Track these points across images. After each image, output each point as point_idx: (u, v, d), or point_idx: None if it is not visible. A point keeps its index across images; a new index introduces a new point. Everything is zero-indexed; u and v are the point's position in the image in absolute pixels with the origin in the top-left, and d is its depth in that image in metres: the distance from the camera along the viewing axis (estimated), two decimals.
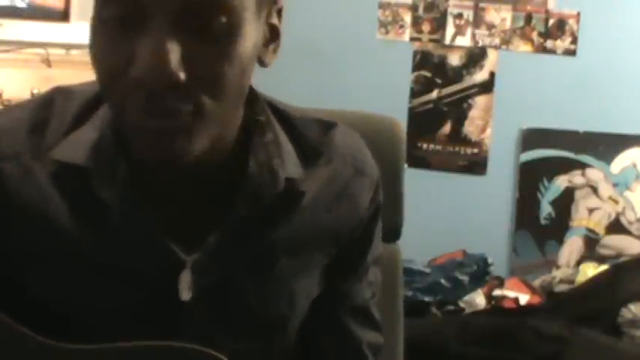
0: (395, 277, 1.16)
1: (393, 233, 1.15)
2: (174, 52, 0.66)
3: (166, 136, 0.69)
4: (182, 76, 0.66)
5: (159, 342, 0.75)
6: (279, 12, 0.78)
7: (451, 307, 2.27)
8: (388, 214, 1.03)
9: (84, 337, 0.75)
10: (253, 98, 0.81)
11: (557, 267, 2.64)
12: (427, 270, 2.37)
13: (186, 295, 0.77)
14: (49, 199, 0.76)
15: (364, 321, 0.94)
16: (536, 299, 2.38)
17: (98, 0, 0.69)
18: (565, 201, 2.66)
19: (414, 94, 2.70)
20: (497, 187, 2.69)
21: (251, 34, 0.71)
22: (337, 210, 0.86)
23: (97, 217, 0.76)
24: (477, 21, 2.64)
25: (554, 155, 2.66)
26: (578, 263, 2.60)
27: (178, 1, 0.66)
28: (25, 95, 1.90)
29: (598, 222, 2.65)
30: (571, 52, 2.62)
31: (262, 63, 0.77)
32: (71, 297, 0.77)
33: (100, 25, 0.69)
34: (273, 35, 0.78)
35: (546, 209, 2.67)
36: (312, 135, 0.86)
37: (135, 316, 0.77)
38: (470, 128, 2.69)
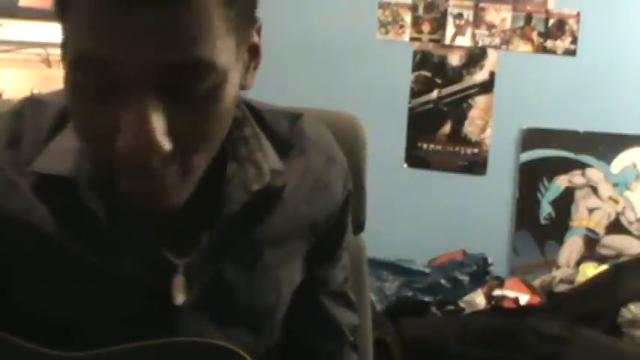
0: (360, 270, 1.19)
1: (356, 227, 1.17)
2: (158, 124, 0.62)
3: (153, 196, 0.67)
4: (168, 146, 0.63)
5: (172, 339, 0.76)
6: (259, 30, 0.75)
7: (451, 307, 2.27)
8: (352, 208, 1.06)
9: (77, 345, 0.74)
10: None
11: (557, 267, 2.64)
12: (427, 270, 2.37)
13: (180, 299, 0.78)
14: (34, 210, 0.75)
15: (342, 303, 0.97)
16: (536, 299, 2.38)
17: (71, 62, 0.63)
18: (565, 201, 2.66)
19: (414, 94, 2.70)
20: (497, 187, 2.69)
21: (234, 80, 0.68)
22: (315, 199, 0.87)
23: (85, 226, 0.75)
24: (477, 21, 2.64)
25: (554, 155, 2.66)
26: (578, 263, 2.60)
27: (159, 73, 0.61)
28: (25, 95, 1.90)
29: (598, 222, 2.65)
30: (571, 52, 2.62)
31: (243, 87, 0.74)
32: (64, 306, 0.77)
33: (75, 88, 0.64)
34: (252, 55, 0.74)
35: (546, 209, 2.67)
36: (282, 127, 0.87)
37: (128, 322, 0.77)
38: (470, 128, 2.69)
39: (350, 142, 1.14)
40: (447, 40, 2.66)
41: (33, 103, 0.80)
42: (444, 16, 2.65)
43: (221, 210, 0.78)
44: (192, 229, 0.78)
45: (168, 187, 0.67)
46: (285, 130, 0.87)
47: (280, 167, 0.82)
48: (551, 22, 2.62)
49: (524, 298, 2.36)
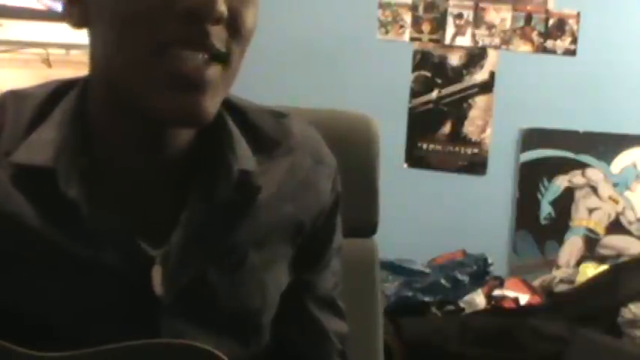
0: (372, 273, 1.18)
1: (369, 228, 1.17)
2: None
3: (198, 85, 0.70)
4: (224, 10, 0.68)
5: (151, 340, 0.75)
6: None
7: (451, 307, 2.27)
8: (364, 209, 1.06)
9: (54, 343, 0.74)
10: None
11: (557, 267, 2.64)
12: (427, 270, 2.37)
13: (159, 290, 0.77)
14: (13, 201, 0.75)
15: (330, 310, 0.95)
16: (536, 299, 2.37)
17: None
18: (565, 201, 2.66)
19: (414, 94, 2.69)
20: (497, 187, 2.69)
21: None
22: (300, 199, 0.87)
23: (64, 216, 0.75)
24: (477, 21, 2.64)
25: (554, 155, 2.65)
26: (578, 263, 2.60)
27: None
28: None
29: (598, 222, 2.65)
30: (571, 52, 2.62)
31: None
32: (43, 300, 0.77)
33: None
34: None
35: (546, 209, 2.67)
36: (267, 126, 0.87)
37: (109, 315, 0.77)
38: (470, 128, 2.69)
39: (363, 142, 1.14)
40: (447, 40, 2.66)
41: (14, 95, 0.81)
42: (444, 16, 2.65)
43: (187, 207, 0.78)
44: (169, 222, 0.78)
45: (210, 78, 0.70)
46: (271, 129, 0.87)
47: (253, 168, 0.81)
48: (551, 22, 2.62)
49: (524, 298, 2.36)
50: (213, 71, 0.71)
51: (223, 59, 0.71)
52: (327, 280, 0.95)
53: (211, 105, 0.72)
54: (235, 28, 0.71)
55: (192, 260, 0.79)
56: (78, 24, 0.76)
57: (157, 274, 0.77)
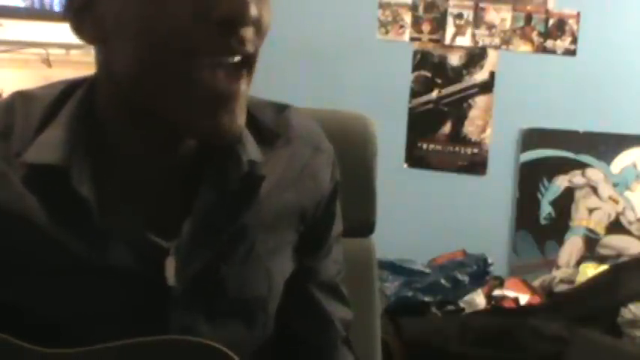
0: (370, 272, 1.19)
1: (366, 228, 1.18)
2: None
3: (233, 101, 0.71)
4: (257, 12, 0.69)
5: (163, 337, 0.75)
6: None
7: (451, 307, 2.27)
8: (361, 209, 1.07)
9: (66, 340, 0.74)
10: None
11: (557, 267, 2.64)
12: (427, 270, 2.37)
13: (172, 281, 0.78)
14: (24, 201, 0.76)
15: (334, 296, 0.97)
16: (536, 299, 2.38)
17: None
18: (565, 201, 2.66)
19: (414, 94, 2.69)
20: (497, 187, 2.69)
21: None
22: (301, 187, 0.89)
23: (75, 215, 0.76)
24: (477, 21, 2.64)
25: (554, 155, 2.66)
26: (578, 263, 2.60)
27: None
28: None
29: (598, 222, 2.65)
30: (571, 52, 2.62)
31: None
32: (54, 299, 0.77)
33: None
34: None
35: (546, 209, 2.67)
36: (267, 118, 0.89)
37: (118, 315, 0.78)
38: (470, 128, 2.69)
39: (360, 142, 1.15)
40: (447, 40, 2.66)
41: (23, 96, 0.82)
42: (444, 16, 2.65)
43: (200, 196, 0.79)
44: (180, 215, 0.79)
45: (242, 92, 0.72)
46: (271, 121, 0.89)
47: (259, 159, 0.83)
48: (551, 22, 2.62)
49: (524, 298, 2.36)
50: (243, 83, 0.72)
51: (253, 60, 0.73)
52: (330, 267, 0.96)
53: (243, 117, 0.74)
54: (259, 27, 0.72)
55: (202, 249, 0.80)
56: (93, 41, 0.75)
57: (170, 266, 0.78)
